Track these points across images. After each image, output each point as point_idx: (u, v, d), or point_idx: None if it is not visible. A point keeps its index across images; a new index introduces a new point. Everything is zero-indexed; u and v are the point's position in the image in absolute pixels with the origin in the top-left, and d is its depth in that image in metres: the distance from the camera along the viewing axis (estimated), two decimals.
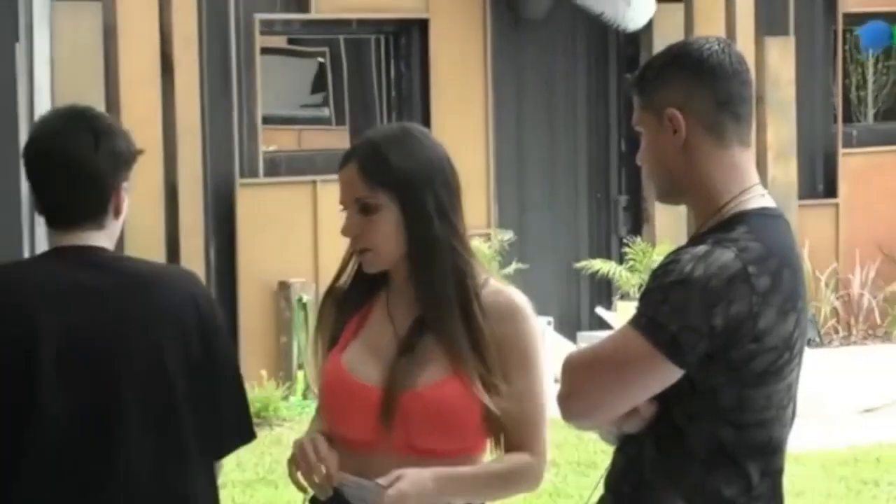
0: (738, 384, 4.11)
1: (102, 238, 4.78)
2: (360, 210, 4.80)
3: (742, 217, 4.17)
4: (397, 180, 4.66)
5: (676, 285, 4.06)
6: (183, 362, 4.71)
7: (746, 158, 4.26)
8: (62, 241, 4.77)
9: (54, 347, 4.59)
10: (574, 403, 4.26)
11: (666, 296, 4.07)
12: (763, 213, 4.21)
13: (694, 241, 4.18)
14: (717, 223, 4.18)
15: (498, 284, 4.82)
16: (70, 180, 4.74)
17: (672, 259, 4.12)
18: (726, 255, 4.06)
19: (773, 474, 4.22)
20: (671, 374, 4.06)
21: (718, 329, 4.04)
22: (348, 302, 4.87)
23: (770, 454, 4.20)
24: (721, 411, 4.12)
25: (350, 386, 4.68)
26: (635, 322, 4.10)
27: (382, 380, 4.65)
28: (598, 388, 4.18)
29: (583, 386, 4.22)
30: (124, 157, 4.82)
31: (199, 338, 4.75)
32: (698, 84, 4.21)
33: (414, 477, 4.49)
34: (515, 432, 4.62)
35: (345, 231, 4.89)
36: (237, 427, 4.88)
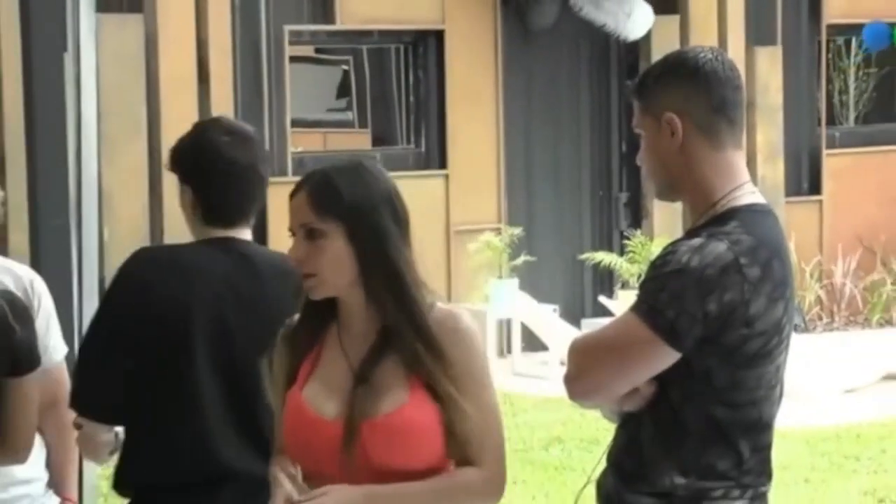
0: (731, 366, 4.14)
1: (248, 232, 5.15)
2: (305, 236, 4.44)
3: (734, 213, 4.19)
4: (345, 209, 4.40)
5: (674, 275, 4.09)
6: None
7: (738, 158, 4.28)
8: (216, 234, 5.10)
9: (208, 320, 4.96)
10: (579, 384, 4.28)
11: (664, 284, 4.10)
12: (753, 208, 4.23)
13: (690, 234, 4.21)
14: (710, 218, 4.20)
15: (444, 307, 4.43)
16: (240, 186, 5.11)
17: (669, 251, 4.15)
18: (720, 247, 4.09)
19: (763, 450, 4.25)
20: (669, 357, 4.09)
21: (713, 315, 4.07)
22: (299, 340, 4.46)
23: (760, 431, 4.23)
24: (715, 391, 4.15)
25: (312, 422, 4.33)
26: (636, 309, 4.12)
27: (341, 412, 4.29)
28: (601, 370, 4.20)
29: (588, 368, 4.24)
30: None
31: None
32: (695, 90, 4.24)
33: (341, 493, 4.20)
34: (469, 448, 4.32)
35: (290, 254, 4.52)
36: None
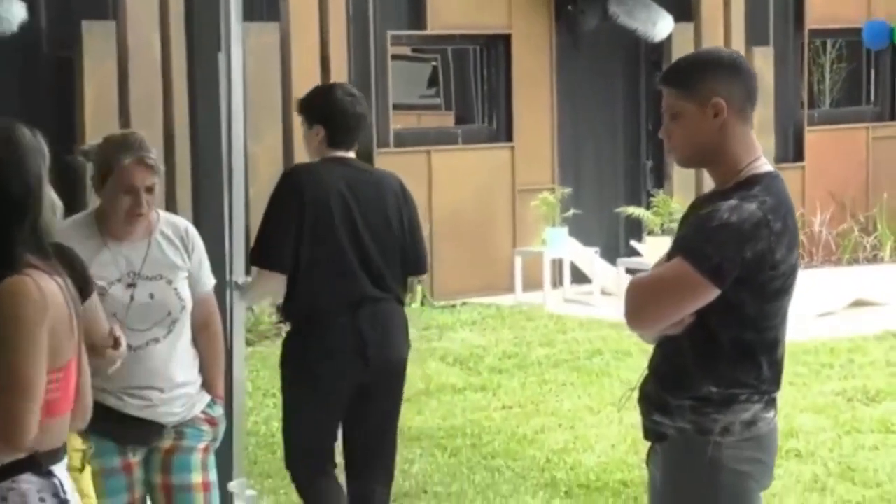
0: (760, 300, 4.12)
1: (353, 153, 6.39)
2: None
3: (757, 179, 4.15)
4: None
5: (718, 229, 4.05)
6: (398, 220, 6.27)
7: (753, 135, 4.25)
8: (337, 154, 6.31)
9: (341, 204, 6.15)
10: (639, 318, 4.22)
11: (710, 237, 4.06)
12: (770, 175, 4.19)
13: (720, 195, 4.16)
14: (736, 183, 4.16)
15: None
16: (353, 127, 6.32)
17: (711, 210, 4.10)
18: (752, 207, 4.06)
19: (777, 363, 4.22)
20: (712, 294, 4.05)
21: (748, 260, 4.04)
22: None
23: (775, 349, 4.20)
24: (746, 320, 4.12)
25: None
26: (686, 256, 4.08)
27: None
28: (659, 306, 4.15)
29: (647, 304, 4.17)
30: None
31: (404, 207, 6.34)
32: (735, 80, 4.20)
33: None
34: None
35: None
36: (419, 262, 6.39)
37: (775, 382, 4.23)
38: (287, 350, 6.26)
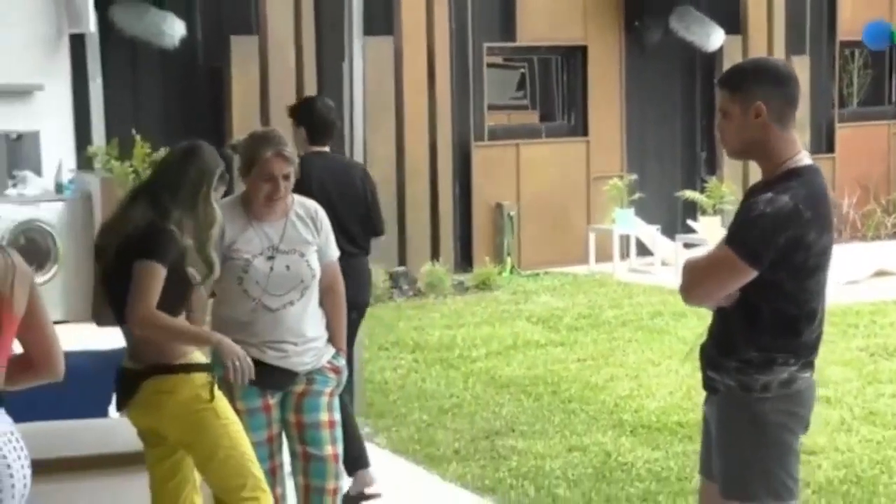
0: (797, 278, 4.06)
1: (328, 148, 6.85)
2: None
3: (793, 172, 4.09)
4: None
5: (756, 219, 4.01)
6: (363, 195, 6.85)
7: (795, 134, 4.18)
8: (314, 149, 6.76)
9: (319, 185, 6.51)
10: (692, 294, 4.18)
11: (749, 226, 4.03)
12: (807, 169, 4.12)
13: (763, 187, 4.11)
14: (777, 175, 4.10)
15: None
16: (330, 127, 6.88)
17: (752, 202, 4.05)
18: (784, 199, 3.99)
19: (814, 331, 4.17)
20: (751, 275, 4.01)
21: (781, 245, 3.98)
22: None
23: (812, 319, 4.14)
24: (786, 295, 4.07)
25: None
26: (730, 243, 4.05)
27: None
28: (708, 284, 4.12)
29: (698, 283, 4.14)
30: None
31: (367, 185, 6.92)
32: (778, 88, 4.13)
33: None
34: None
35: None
36: (377, 227, 7.03)
37: (813, 348, 4.18)
38: None
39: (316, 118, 6.86)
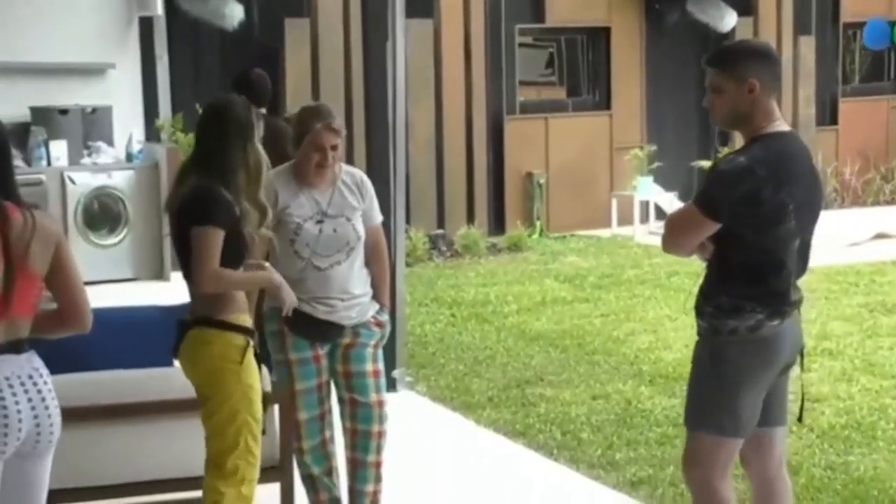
0: (758, 230, 4.09)
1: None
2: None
3: (759, 138, 4.14)
4: None
5: (715, 176, 4.13)
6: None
7: (775, 105, 4.20)
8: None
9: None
10: (665, 242, 4.27)
11: (708, 183, 4.15)
12: (772, 135, 4.15)
13: (735, 151, 4.19)
14: (750, 140, 4.16)
15: None
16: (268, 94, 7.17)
17: (715, 164, 4.20)
18: (741, 159, 4.08)
19: (783, 282, 4.15)
20: (712, 226, 4.10)
21: (737, 199, 4.03)
22: None
23: (780, 269, 4.14)
24: (749, 246, 4.10)
25: None
26: (694, 198, 4.18)
27: None
28: (676, 234, 4.22)
29: (669, 233, 4.24)
30: None
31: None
32: (767, 66, 4.18)
33: None
34: None
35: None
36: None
37: (783, 297, 4.16)
38: None
39: (253, 86, 7.51)
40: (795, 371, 4.37)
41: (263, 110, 7.26)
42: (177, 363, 4.68)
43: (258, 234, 4.60)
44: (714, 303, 4.16)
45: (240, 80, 7.74)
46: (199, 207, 4.42)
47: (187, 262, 4.48)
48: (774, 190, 4.04)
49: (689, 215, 4.16)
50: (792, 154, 4.16)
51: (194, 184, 4.48)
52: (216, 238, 4.40)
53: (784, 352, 4.20)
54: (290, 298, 4.70)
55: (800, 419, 4.67)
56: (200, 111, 4.68)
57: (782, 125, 4.19)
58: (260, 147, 4.58)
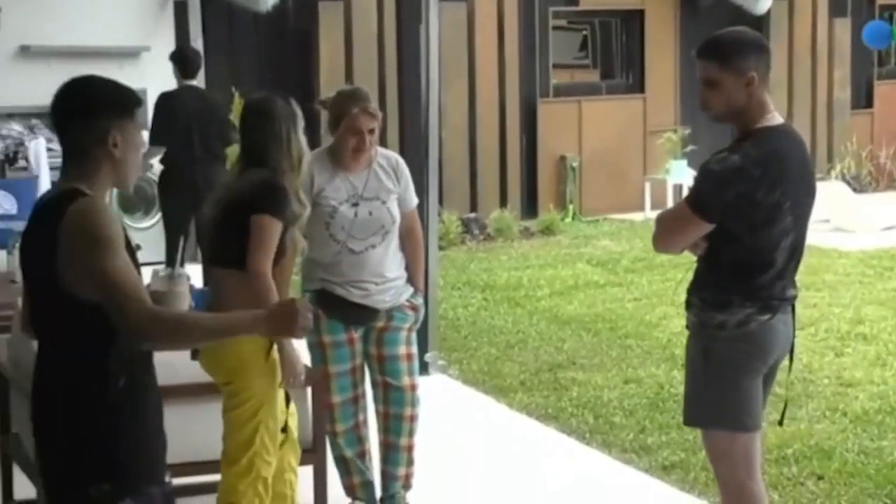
0: (752, 230, 4.04)
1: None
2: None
3: (752, 133, 4.07)
4: None
5: (707, 175, 4.05)
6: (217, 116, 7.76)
7: (767, 96, 4.12)
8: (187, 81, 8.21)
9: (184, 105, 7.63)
10: (656, 241, 4.25)
11: (700, 182, 4.09)
12: (766, 129, 4.08)
13: (728, 148, 4.10)
14: (738, 137, 4.11)
15: None
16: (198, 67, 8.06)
17: (707, 162, 4.09)
18: (734, 158, 4.01)
19: (773, 279, 4.11)
20: (704, 227, 4.06)
21: (731, 200, 3.98)
22: None
23: (768, 268, 4.09)
24: (741, 244, 4.06)
25: None
26: (686, 198, 4.13)
27: None
28: (667, 233, 4.19)
29: (659, 232, 4.20)
30: None
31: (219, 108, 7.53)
32: (761, 57, 4.11)
33: None
34: None
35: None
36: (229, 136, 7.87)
37: (772, 293, 4.11)
38: None
39: (182, 58, 9.02)
40: (781, 375, 4.35)
41: (195, 82, 9.03)
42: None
43: (297, 232, 4.61)
44: (702, 295, 4.15)
45: (175, 52, 9.24)
46: (265, 197, 4.43)
47: (222, 253, 4.50)
48: (769, 190, 3.99)
49: (681, 215, 4.11)
50: (786, 151, 4.10)
51: (261, 175, 4.47)
52: (276, 230, 4.42)
53: (775, 346, 4.17)
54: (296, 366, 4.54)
55: (780, 423, 4.69)
56: (238, 100, 4.71)
57: (776, 118, 4.12)
58: (303, 137, 4.61)
